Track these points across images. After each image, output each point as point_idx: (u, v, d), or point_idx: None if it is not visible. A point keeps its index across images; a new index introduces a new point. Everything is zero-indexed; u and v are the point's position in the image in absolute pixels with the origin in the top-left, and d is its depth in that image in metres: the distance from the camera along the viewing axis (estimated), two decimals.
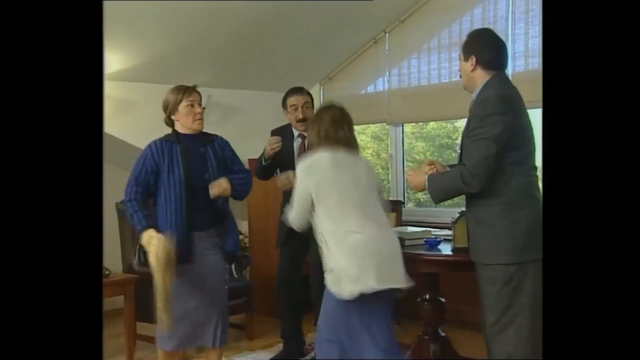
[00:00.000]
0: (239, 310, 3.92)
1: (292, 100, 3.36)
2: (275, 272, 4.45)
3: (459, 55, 2.54)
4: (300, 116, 3.30)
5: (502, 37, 3.94)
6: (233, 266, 3.99)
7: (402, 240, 2.93)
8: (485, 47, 2.46)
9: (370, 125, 5.20)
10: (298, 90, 3.39)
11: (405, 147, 4.88)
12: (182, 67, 4.20)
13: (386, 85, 4.70)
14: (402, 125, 4.75)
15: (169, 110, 2.74)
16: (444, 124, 4.99)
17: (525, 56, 3.88)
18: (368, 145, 5.31)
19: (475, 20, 4.15)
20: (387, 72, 4.67)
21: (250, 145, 4.77)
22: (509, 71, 3.97)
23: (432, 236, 2.95)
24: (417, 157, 4.99)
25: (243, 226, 4.89)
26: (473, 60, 2.44)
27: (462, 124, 4.84)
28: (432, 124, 5.03)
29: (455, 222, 2.74)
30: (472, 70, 2.44)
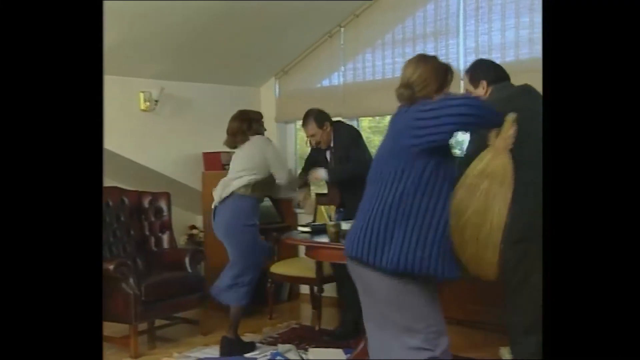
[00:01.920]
0: (193, 305, 3.89)
1: (304, 129, 3.80)
2: None
3: (466, 89, 2.92)
4: (313, 144, 3.78)
5: (453, 34, 4.10)
6: (187, 260, 3.95)
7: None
8: (490, 69, 2.90)
9: None
10: (306, 122, 3.77)
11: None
12: (134, 59, 4.11)
13: (341, 79, 4.73)
14: (358, 120, 4.79)
15: None
16: None
17: (475, 53, 3.97)
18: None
19: (428, 16, 4.22)
20: (342, 67, 4.70)
21: (204, 138, 4.73)
22: (460, 67, 4.08)
23: None
24: (373, 151, 5.04)
25: (198, 220, 4.84)
26: (484, 83, 2.81)
27: None
28: (389, 118, 5.08)
29: None
30: (486, 93, 2.80)
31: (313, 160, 3.94)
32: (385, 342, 2.09)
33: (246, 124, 3.69)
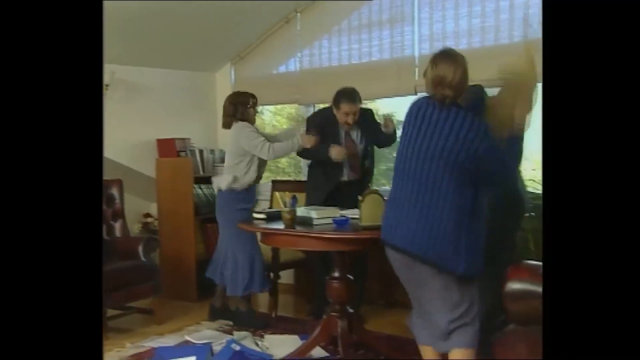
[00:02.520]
0: (147, 294, 3.83)
1: (345, 107, 3.65)
2: (185, 253, 4.39)
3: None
4: (350, 122, 3.68)
5: (409, 21, 4.13)
6: (141, 249, 3.89)
7: (310, 219, 3.00)
8: None
9: (286, 106, 5.20)
10: (352, 99, 3.66)
11: None
12: None
13: (298, 66, 4.71)
14: (314, 106, 4.78)
15: None
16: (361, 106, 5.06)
17: (430, 40, 4.02)
18: (284, 126, 5.31)
19: (383, 3, 4.23)
20: (299, 52, 4.68)
21: (157, 124, 4.64)
22: (415, 54, 4.12)
23: (340, 215, 3.02)
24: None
25: (152, 208, 4.76)
26: None
27: (375, 105, 4.96)
28: None
29: (362, 200, 2.81)
30: None
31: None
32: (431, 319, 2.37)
33: (232, 108, 3.78)
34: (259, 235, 3.43)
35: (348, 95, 3.66)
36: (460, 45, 3.90)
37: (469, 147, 2.20)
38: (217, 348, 3.16)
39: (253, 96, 3.84)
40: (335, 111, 3.71)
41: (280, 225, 3.02)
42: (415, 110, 2.35)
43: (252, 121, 3.80)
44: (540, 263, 2.26)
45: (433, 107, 2.30)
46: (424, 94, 2.41)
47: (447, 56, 2.32)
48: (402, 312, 3.83)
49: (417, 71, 4.10)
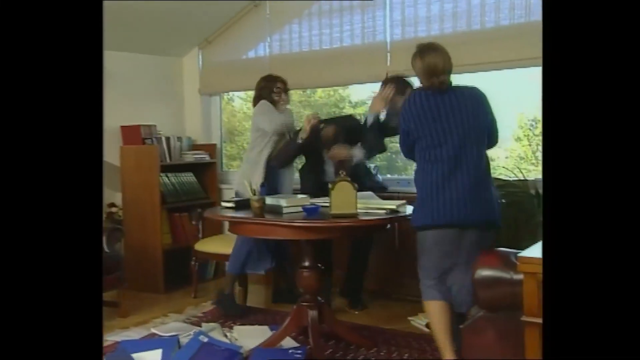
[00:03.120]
0: (111, 286, 3.75)
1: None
2: (151, 244, 4.31)
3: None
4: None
5: (380, 6, 4.10)
6: (104, 239, 3.80)
7: (279, 207, 2.96)
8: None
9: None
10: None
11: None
12: None
13: (267, 51, 4.64)
14: None
15: None
16: (331, 92, 5.04)
17: (402, 25, 4.00)
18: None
19: None
20: (268, 37, 4.61)
21: (121, 111, 4.52)
22: (387, 40, 4.10)
23: (310, 203, 2.99)
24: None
25: (116, 198, 4.66)
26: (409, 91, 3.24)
27: (349, 92, 4.94)
28: (319, 92, 5.07)
29: (332, 187, 2.78)
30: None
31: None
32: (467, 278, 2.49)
33: (257, 92, 3.88)
34: (227, 224, 3.39)
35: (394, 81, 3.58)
36: (432, 31, 3.90)
37: (484, 117, 2.63)
38: (184, 340, 3.11)
39: (281, 81, 3.85)
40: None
41: (249, 214, 2.98)
42: (418, 105, 2.62)
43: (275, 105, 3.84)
44: (511, 250, 2.27)
45: (435, 95, 2.61)
46: (415, 88, 2.76)
47: (431, 47, 2.64)
48: (375, 302, 3.88)
49: (389, 57, 4.09)
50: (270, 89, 3.83)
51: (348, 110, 4.92)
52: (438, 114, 2.58)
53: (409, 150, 2.74)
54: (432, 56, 2.59)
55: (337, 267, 4.04)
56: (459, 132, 2.56)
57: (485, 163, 2.63)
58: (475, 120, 2.59)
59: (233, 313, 3.73)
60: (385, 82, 3.51)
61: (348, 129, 3.76)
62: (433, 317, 2.64)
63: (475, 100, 2.63)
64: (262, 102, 3.80)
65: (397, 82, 3.45)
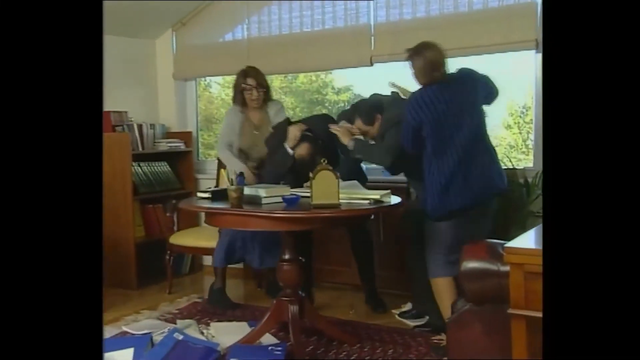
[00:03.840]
0: None
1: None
2: (123, 237, 4.29)
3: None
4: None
5: None
6: None
7: (258, 198, 2.96)
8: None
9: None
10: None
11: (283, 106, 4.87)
12: None
13: (245, 33, 4.62)
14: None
15: None
16: (313, 78, 5.04)
17: (386, 7, 4.01)
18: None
19: None
20: (246, 19, 4.59)
21: None
22: (371, 22, 4.10)
23: (290, 193, 2.99)
24: (286, 113, 4.99)
25: None
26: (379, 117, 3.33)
27: (332, 77, 4.94)
28: (301, 77, 5.06)
29: (313, 177, 2.79)
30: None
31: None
32: None
33: (233, 91, 3.89)
34: (203, 215, 3.38)
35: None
36: (418, 13, 3.91)
37: (482, 100, 2.99)
38: (158, 338, 3.11)
39: (252, 76, 3.80)
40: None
41: (226, 205, 2.97)
42: (427, 99, 2.86)
43: (248, 105, 3.80)
44: (498, 241, 2.30)
45: (438, 89, 2.88)
46: (418, 87, 2.96)
47: (428, 45, 2.93)
48: (352, 295, 3.90)
49: (373, 40, 4.09)
50: (239, 88, 3.79)
51: (331, 97, 4.92)
52: (445, 103, 2.86)
53: (414, 145, 2.96)
54: (432, 53, 2.89)
55: (322, 260, 4.07)
56: (466, 116, 2.89)
57: (486, 133, 3.02)
58: (476, 95, 2.94)
59: (226, 307, 3.77)
60: (350, 114, 3.41)
61: (323, 145, 3.50)
62: (443, 293, 2.92)
63: (469, 78, 2.97)
64: (230, 108, 3.78)
65: (362, 113, 3.34)
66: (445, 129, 2.87)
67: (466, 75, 3.00)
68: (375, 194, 2.92)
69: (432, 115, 2.85)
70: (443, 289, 2.94)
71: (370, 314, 3.65)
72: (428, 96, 2.88)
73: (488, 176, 2.94)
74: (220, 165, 4.27)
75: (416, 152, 2.98)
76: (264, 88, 3.84)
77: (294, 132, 3.46)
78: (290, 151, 3.45)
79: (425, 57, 2.89)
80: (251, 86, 3.79)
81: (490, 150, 3.01)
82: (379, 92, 3.48)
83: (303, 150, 3.43)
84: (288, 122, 3.59)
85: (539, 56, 3.59)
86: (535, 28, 3.53)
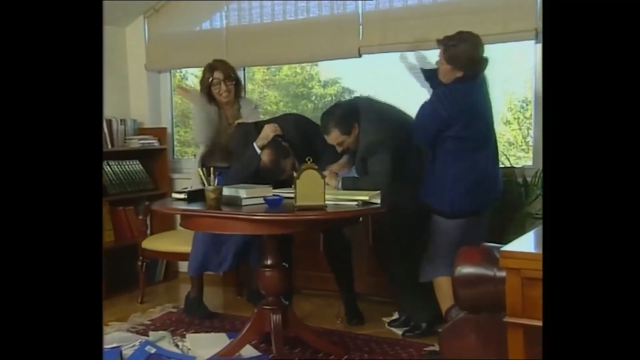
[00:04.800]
0: None
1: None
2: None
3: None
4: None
5: None
6: None
7: (238, 199, 2.96)
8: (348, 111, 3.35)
9: None
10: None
11: (255, 96, 4.87)
12: None
13: (224, 22, 4.61)
14: (244, 69, 4.71)
15: None
16: (298, 70, 5.04)
17: None
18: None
19: None
20: (225, 6, 4.58)
21: None
22: (359, 11, 4.11)
23: (273, 194, 3.00)
24: (269, 108, 5.01)
25: None
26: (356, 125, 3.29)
27: (318, 69, 4.95)
28: (285, 70, 5.06)
29: (297, 177, 2.79)
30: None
31: None
32: None
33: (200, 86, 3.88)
34: (178, 218, 3.38)
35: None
36: (409, 1, 3.94)
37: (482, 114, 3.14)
38: (128, 352, 3.09)
39: (219, 69, 3.77)
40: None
41: (203, 206, 2.97)
42: (462, 96, 3.00)
43: (217, 101, 3.78)
44: (494, 244, 2.32)
45: (471, 85, 3.03)
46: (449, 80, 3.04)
47: (466, 35, 3.03)
48: (339, 303, 3.91)
49: (360, 30, 4.10)
50: (206, 83, 3.77)
51: (318, 91, 4.93)
52: (478, 100, 3.04)
53: (434, 138, 3.06)
54: (469, 44, 3.00)
55: (306, 266, 4.08)
56: (489, 115, 3.10)
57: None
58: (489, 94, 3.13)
59: (203, 317, 3.78)
60: (325, 123, 3.30)
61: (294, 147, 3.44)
62: (444, 290, 3.02)
63: (485, 78, 3.14)
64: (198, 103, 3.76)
65: (339, 122, 3.25)
66: (473, 127, 3.00)
67: (483, 75, 3.12)
68: (363, 195, 2.93)
69: (466, 111, 2.98)
70: (448, 288, 2.97)
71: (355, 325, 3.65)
72: (465, 91, 3.00)
73: (496, 178, 3.14)
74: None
75: (430, 141, 3.10)
76: (233, 81, 3.80)
77: (267, 131, 3.45)
78: (258, 150, 3.43)
79: (464, 48, 2.97)
80: (218, 79, 3.75)
81: (497, 152, 3.20)
82: (368, 85, 3.50)
83: (265, 156, 3.37)
84: (257, 124, 3.59)
85: (539, 47, 3.63)
86: (535, 17, 3.57)
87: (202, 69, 3.90)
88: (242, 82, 3.99)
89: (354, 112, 3.28)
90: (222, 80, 3.76)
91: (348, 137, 3.25)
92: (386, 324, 3.59)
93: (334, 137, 3.26)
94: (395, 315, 3.64)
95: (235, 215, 2.84)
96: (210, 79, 3.77)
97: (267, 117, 3.89)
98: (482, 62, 3.03)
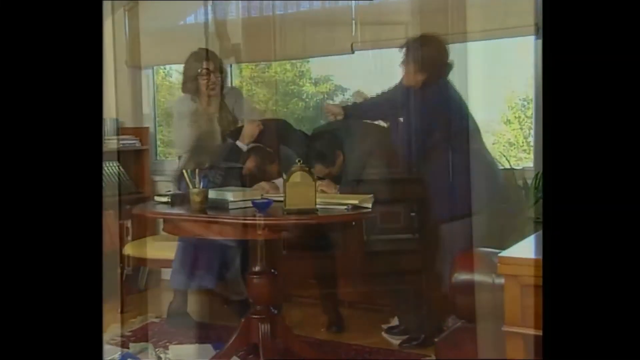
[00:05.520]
0: None
1: None
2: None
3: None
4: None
5: None
6: None
7: (225, 202, 2.97)
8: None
9: None
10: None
11: (243, 95, 4.87)
12: None
13: (209, 16, 4.62)
14: (231, 66, 4.72)
15: None
16: (288, 67, 5.05)
17: None
18: None
19: None
20: (210, 0, 4.59)
21: None
22: (351, 4, 4.13)
23: (261, 198, 3.01)
24: (258, 106, 5.01)
25: None
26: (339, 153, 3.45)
27: (309, 66, 4.96)
28: (275, 67, 5.07)
29: (287, 179, 2.80)
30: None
31: None
32: None
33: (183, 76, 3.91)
34: (161, 223, 3.38)
35: None
36: None
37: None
38: None
39: (209, 59, 3.74)
40: None
41: (188, 210, 2.98)
42: (451, 98, 3.17)
43: (202, 93, 3.75)
44: (493, 250, 2.34)
45: (449, 85, 3.22)
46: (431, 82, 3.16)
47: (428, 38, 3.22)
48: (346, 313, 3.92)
49: (354, 24, 4.12)
50: (192, 73, 3.77)
51: (309, 89, 4.94)
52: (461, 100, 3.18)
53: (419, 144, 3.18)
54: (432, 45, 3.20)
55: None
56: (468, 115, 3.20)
57: None
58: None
59: (187, 328, 3.75)
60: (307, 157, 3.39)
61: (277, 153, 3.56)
62: None
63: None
64: (179, 98, 3.77)
65: (321, 156, 3.41)
66: (449, 129, 3.14)
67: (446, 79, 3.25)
68: (353, 199, 2.94)
69: (456, 112, 3.15)
70: None
71: (341, 333, 3.68)
72: (448, 92, 3.15)
73: (489, 179, 3.28)
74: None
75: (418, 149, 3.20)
76: (222, 73, 3.82)
77: (251, 129, 3.47)
78: (243, 148, 3.46)
79: (427, 51, 3.14)
80: (208, 70, 3.73)
81: (486, 152, 3.36)
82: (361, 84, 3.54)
83: (250, 162, 3.44)
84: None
85: (539, 42, 3.65)
86: (534, 11, 3.59)
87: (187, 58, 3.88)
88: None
89: (335, 141, 3.37)
90: (212, 72, 3.73)
91: (333, 167, 3.38)
92: (382, 332, 3.60)
93: (318, 170, 3.33)
94: (395, 322, 3.64)
95: (221, 219, 2.85)
96: (200, 69, 3.73)
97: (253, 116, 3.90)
98: (446, 66, 3.16)
